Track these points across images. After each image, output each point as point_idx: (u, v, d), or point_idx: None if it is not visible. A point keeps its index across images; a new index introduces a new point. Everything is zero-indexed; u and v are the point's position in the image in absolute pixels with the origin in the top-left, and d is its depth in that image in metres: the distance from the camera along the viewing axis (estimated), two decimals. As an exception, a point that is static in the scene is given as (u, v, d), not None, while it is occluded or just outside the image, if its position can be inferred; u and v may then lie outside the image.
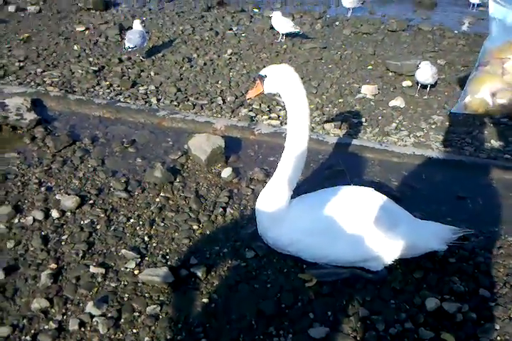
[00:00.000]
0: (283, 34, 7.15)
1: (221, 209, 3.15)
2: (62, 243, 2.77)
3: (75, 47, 6.52)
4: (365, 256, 2.46)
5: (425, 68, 5.17)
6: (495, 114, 4.72)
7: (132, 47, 5.93)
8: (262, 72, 2.44)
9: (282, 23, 7.01)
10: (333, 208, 2.47)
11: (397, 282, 2.56)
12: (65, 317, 2.27)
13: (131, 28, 6.24)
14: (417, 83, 5.40)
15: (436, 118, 4.82)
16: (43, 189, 3.27)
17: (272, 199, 2.49)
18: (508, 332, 2.29)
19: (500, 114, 4.71)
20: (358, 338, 2.23)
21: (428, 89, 5.40)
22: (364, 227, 2.43)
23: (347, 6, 8.79)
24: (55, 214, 2.99)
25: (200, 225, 3.00)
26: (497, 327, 2.31)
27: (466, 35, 7.90)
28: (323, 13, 9.17)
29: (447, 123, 4.74)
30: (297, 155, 2.45)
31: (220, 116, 4.73)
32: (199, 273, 2.54)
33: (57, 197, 3.17)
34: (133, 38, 5.95)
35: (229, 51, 6.66)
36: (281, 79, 2.38)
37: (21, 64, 5.79)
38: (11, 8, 8.21)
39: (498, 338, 2.26)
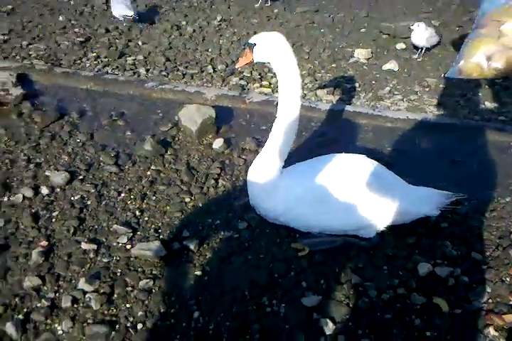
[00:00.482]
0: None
1: (213, 181, 3.12)
2: (53, 220, 2.76)
3: (60, 17, 6.33)
4: (358, 223, 2.45)
5: (419, 30, 5.04)
6: (490, 77, 4.62)
7: (130, 16, 5.92)
8: (251, 40, 2.35)
9: None
10: (325, 176, 2.44)
11: (390, 248, 2.57)
12: (57, 294, 2.27)
13: None
14: (413, 45, 5.28)
15: (430, 81, 4.73)
16: (31, 165, 3.22)
17: (264, 169, 2.46)
18: (499, 294, 2.30)
19: (495, 77, 4.61)
20: (351, 305, 2.25)
21: (423, 51, 5.27)
22: (356, 194, 2.41)
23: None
24: (44, 190, 2.96)
25: (192, 197, 2.98)
26: (489, 289, 2.33)
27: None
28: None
29: (441, 86, 4.66)
30: (288, 124, 2.40)
31: (210, 85, 4.64)
32: (191, 246, 2.53)
33: (47, 173, 3.13)
34: (128, 4, 5.94)
35: (218, 17, 6.48)
36: (272, 48, 2.29)
37: (6, 37, 5.63)
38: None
39: (490, 301, 2.28)
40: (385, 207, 2.44)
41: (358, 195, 2.41)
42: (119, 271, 2.40)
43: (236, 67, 2.57)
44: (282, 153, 2.46)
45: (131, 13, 5.92)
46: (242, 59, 2.44)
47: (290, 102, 2.36)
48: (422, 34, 5.06)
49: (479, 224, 2.78)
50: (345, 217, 2.44)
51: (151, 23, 6.23)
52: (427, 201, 2.58)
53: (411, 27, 5.13)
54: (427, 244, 2.59)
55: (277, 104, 2.41)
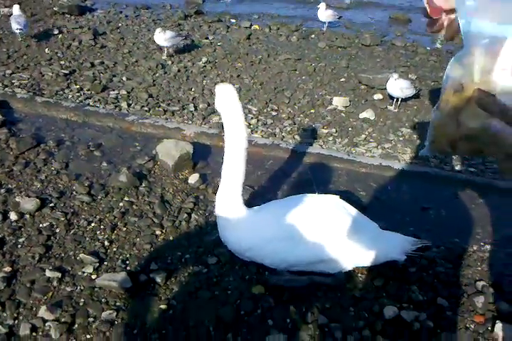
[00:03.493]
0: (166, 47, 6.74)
1: (186, 215, 3.11)
2: (19, 246, 2.69)
3: (47, 50, 6.43)
4: (323, 257, 2.44)
5: (394, 81, 5.27)
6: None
7: (20, 29, 6.51)
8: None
9: None
10: (294, 213, 2.46)
11: (358, 290, 2.57)
12: (16, 321, 2.20)
13: (15, 14, 6.64)
14: (390, 96, 5.50)
15: (404, 131, 4.91)
16: (2, 191, 3.18)
17: (225, 205, 2.48)
18: (463, 341, 2.31)
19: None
20: (316, 346, 2.22)
21: (399, 102, 5.49)
22: (324, 231, 2.42)
23: (323, 19, 8.91)
24: (13, 216, 2.91)
25: (164, 230, 2.96)
26: (453, 336, 2.33)
27: (437, 52, 8.08)
28: (299, 25, 9.27)
29: (415, 135, 4.83)
30: (236, 161, 2.42)
31: (191, 122, 4.72)
32: (158, 279, 2.49)
33: (17, 199, 3.09)
34: (20, 22, 6.51)
35: (204, 59, 6.67)
36: (221, 98, 2.38)
37: (-10, 65, 5.69)
38: (-17, 9, 8.09)
39: (454, 347, 2.28)
40: (352, 246, 2.46)
41: (326, 231, 2.43)
42: (82, 300, 2.34)
43: None
44: (236, 189, 2.46)
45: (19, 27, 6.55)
46: None
47: (236, 144, 2.39)
48: (397, 85, 5.28)
49: (446, 270, 2.81)
50: (312, 252, 2.43)
51: (136, 61, 6.36)
52: (394, 246, 2.61)
53: (390, 78, 5.36)
54: (395, 288, 2.61)
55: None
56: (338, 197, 2.66)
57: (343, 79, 6.41)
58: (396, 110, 5.46)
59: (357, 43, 8.28)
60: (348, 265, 2.50)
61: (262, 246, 2.43)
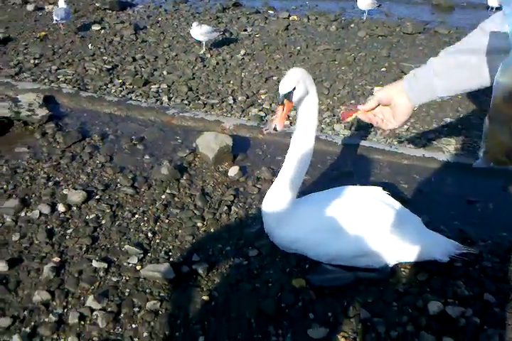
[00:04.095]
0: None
1: (226, 208, 3.14)
2: (67, 237, 2.79)
3: (90, 45, 6.58)
4: (368, 251, 2.41)
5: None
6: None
7: (58, 20, 6.89)
8: (286, 89, 2.13)
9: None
10: (339, 205, 2.46)
11: (401, 284, 2.53)
12: (65, 310, 2.28)
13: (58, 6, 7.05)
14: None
15: (448, 121, 4.77)
16: (50, 183, 3.30)
17: (277, 200, 2.47)
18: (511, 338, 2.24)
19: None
20: (358, 340, 2.20)
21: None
22: (369, 224, 2.41)
23: (362, 8, 8.72)
24: (61, 208, 3.02)
25: (205, 223, 3.00)
26: (501, 332, 2.27)
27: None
28: (338, 15, 9.11)
29: (459, 126, 4.68)
30: (301, 156, 2.39)
31: (230, 115, 4.74)
32: (200, 271, 2.53)
33: (64, 191, 3.19)
34: (59, 13, 6.85)
35: (242, 51, 6.66)
36: (308, 81, 2.19)
37: (36, 61, 5.87)
38: (30, 7, 8.34)
39: (502, 344, 2.22)
40: (395, 239, 2.42)
41: (371, 224, 2.41)
42: (128, 290, 2.40)
43: (276, 128, 2.12)
44: (295, 185, 2.45)
45: (67, 19, 7.07)
46: (281, 115, 2.12)
47: (305, 135, 2.34)
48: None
49: (493, 265, 2.73)
50: (356, 245, 2.42)
51: (176, 55, 6.42)
52: (438, 245, 2.54)
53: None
54: (439, 283, 2.55)
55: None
56: (381, 188, 2.62)
57: (384, 69, 6.27)
58: (439, 99, 5.30)
59: (398, 32, 8.08)
60: (391, 259, 2.47)
61: (306, 237, 2.43)
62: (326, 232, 2.41)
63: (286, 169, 2.43)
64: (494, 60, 1.41)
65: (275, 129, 2.12)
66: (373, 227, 2.41)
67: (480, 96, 5.30)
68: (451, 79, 1.61)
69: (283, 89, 2.12)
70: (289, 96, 2.12)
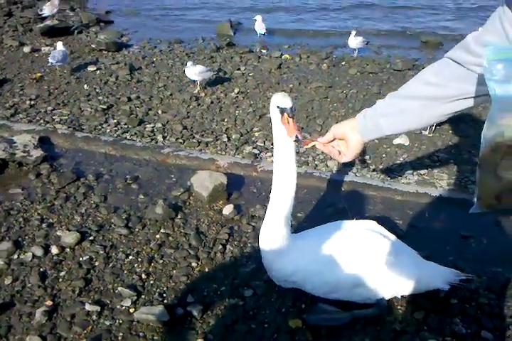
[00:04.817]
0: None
1: (221, 246, 3.13)
2: (60, 280, 2.77)
3: (86, 86, 6.71)
4: (366, 281, 2.40)
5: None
6: None
7: (54, 63, 6.97)
8: (290, 103, 2.13)
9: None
10: (336, 238, 2.47)
11: (397, 323, 2.51)
12: (57, 356, 2.24)
13: (56, 49, 7.21)
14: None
15: (440, 156, 4.83)
16: (44, 225, 3.29)
17: (272, 234, 2.46)
18: (512, 377, 2.21)
19: None
20: (356, 382, 2.16)
21: (433, 127, 5.43)
22: (366, 254, 2.41)
23: (353, 46, 8.99)
24: (54, 250, 3.00)
25: (199, 262, 2.98)
26: (501, 372, 2.24)
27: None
28: (329, 53, 9.37)
29: (451, 161, 4.74)
30: (285, 192, 2.37)
31: (224, 153, 4.79)
32: (195, 312, 2.50)
33: (58, 233, 3.18)
34: (56, 56, 6.97)
35: (236, 90, 6.80)
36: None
37: (32, 102, 5.95)
38: (26, 49, 8.51)
39: (502, 384, 2.18)
40: (393, 271, 2.41)
41: (369, 255, 2.41)
42: (121, 334, 2.37)
43: (300, 138, 2.15)
44: (285, 216, 2.41)
45: (64, 62, 7.19)
46: (295, 127, 2.13)
47: (285, 167, 2.29)
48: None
49: (489, 301, 2.71)
50: (353, 275, 2.40)
51: (171, 94, 6.54)
52: (437, 274, 2.55)
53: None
54: (436, 320, 2.53)
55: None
56: (375, 222, 2.64)
57: (375, 106, 6.39)
58: (431, 135, 5.40)
59: (388, 68, 8.28)
60: (389, 291, 2.45)
61: (304, 268, 2.41)
62: (323, 263, 2.40)
63: (273, 204, 2.42)
64: (433, 106, 1.67)
65: (297, 140, 2.15)
66: (371, 258, 2.40)
67: (469, 131, 5.40)
68: (395, 121, 1.79)
69: (289, 102, 2.12)
70: (290, 110, 2.11)
